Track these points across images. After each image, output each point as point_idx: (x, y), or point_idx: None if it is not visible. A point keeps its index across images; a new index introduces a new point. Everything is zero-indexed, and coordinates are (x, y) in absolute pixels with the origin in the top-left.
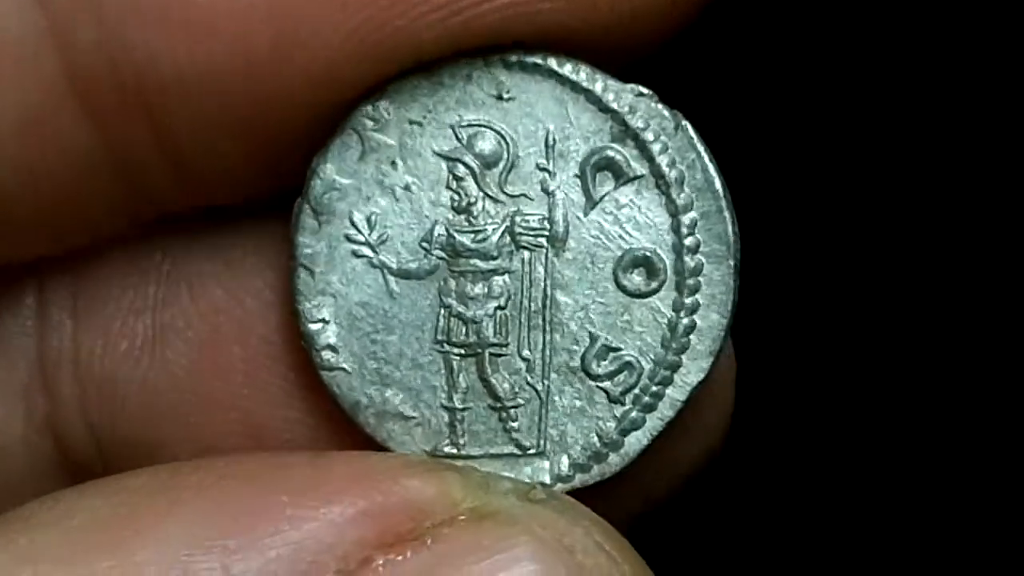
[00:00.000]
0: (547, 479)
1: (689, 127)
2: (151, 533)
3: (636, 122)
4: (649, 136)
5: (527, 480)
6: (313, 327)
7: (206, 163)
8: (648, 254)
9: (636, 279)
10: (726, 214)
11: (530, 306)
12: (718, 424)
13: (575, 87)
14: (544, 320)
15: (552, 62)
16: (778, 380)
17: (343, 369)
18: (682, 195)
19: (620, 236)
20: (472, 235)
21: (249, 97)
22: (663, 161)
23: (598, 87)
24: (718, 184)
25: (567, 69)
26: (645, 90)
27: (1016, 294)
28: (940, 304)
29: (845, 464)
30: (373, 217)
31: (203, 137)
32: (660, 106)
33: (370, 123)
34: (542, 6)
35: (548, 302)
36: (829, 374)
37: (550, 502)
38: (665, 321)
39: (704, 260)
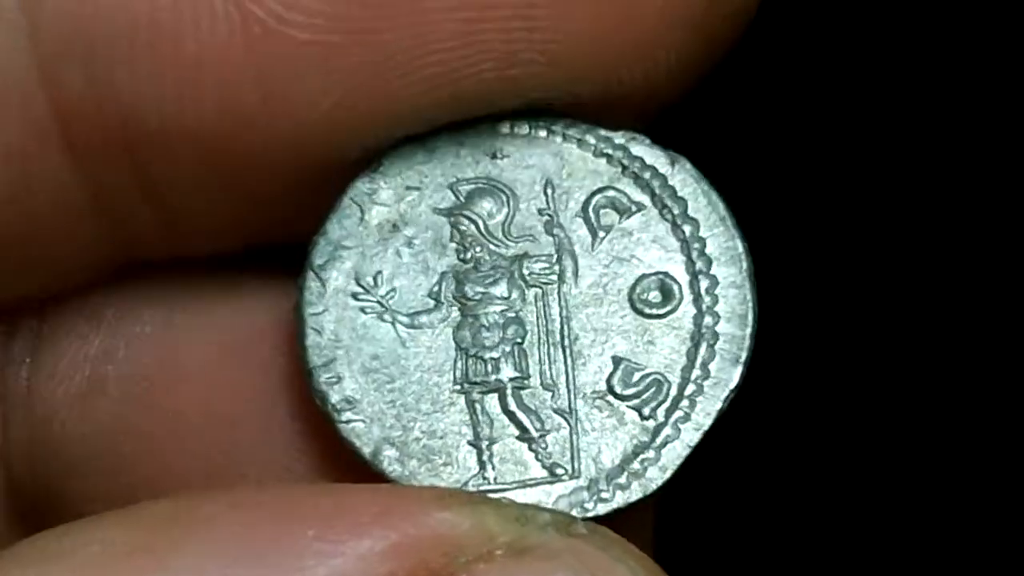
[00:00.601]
0: (587, 501)
1: (686, 162)
2: (171, 566)
3: (633, 164)
4: (647, 174)
5: (566, 509)
6: (325, 383)
7: (189, 213)
8: (662, 277)
9: (652, 301)
10: (734, 231)
11: (548, 339)
12: None
13: (568, 138)
14: (564, 350)
15: (542, 131)
16: (786, 381)
17: (361, 420)
18: (687, 221)
19: (631, 263)
20: (481, 280)
21: (233, 154)
22: (664, 194)
23: (591, 138)
24: (722, 207)
25: (558, 127)
26: (637, 134)
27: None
28: (939, 309)
29: (851, 467)
30: (379, 276)
31: (186, 188)
32: (654, 147)
33: (367, 195)
34: (533, 79)
35: (566, 332)
36: (836, 376)
37: (592, 536)
38: (687, 335)
39: (718, 276)
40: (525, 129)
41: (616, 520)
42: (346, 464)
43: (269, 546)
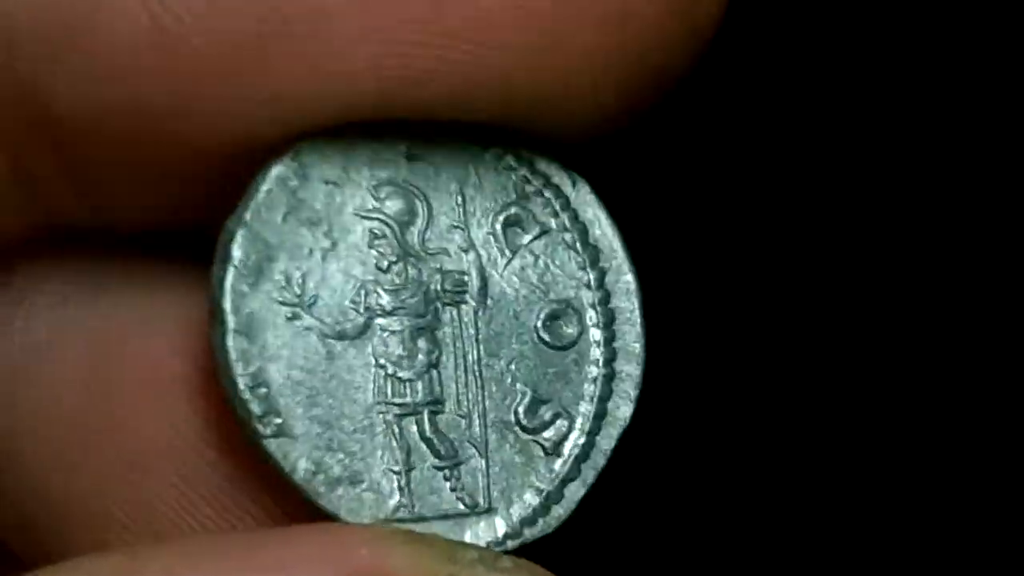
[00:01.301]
0: (499, 536)
1: (585, 185)
2: None
3: (536, 181)
4: (549, 193)
5: (482, 543)
6: (253, 393)
7: (107, 190)
8: (565, 306)
9: (556, 331)
10: (627, 267)
11: (464, 362)
12: None
13: (478, 148)
14: (477, 376)
15: (453, 135)
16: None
17: (288, 436)
18: (587, 248)
19: (537, 289)
20: (396, 294)
21: (146, 144)
22: (565, 217)
23: (495, 152)
24: (617, 242)
25: (470, 131)
26: (540, 155)
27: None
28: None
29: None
30: (304, 278)
31: (103, 169)
32: (557, 165)
33: (288, 183)
34: (448, 108)
35: (479, 357)
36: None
37: (518, 571)
38: (587, 371)
39: (615, 311)
40: (440, 129)
41: (525, 553)
42: (269, 480)
43: None
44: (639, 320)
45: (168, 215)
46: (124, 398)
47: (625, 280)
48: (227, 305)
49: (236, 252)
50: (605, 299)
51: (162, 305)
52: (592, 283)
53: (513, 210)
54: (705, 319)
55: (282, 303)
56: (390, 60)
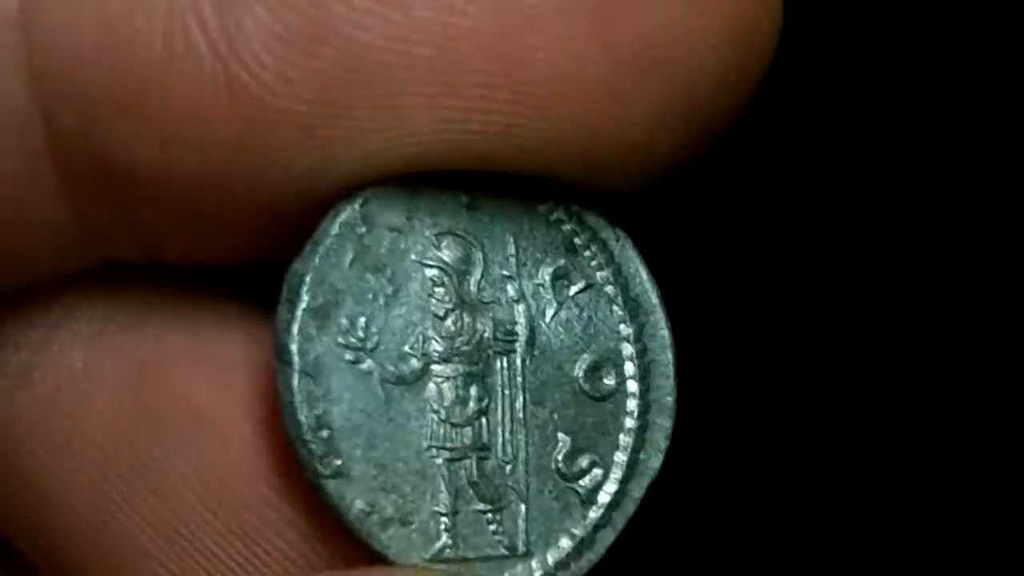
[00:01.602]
0: None
1: (628, 240)
2: None
3: (584, 235)
4: (595, 248)
5: None
6: (316, 434)
7: (169, 243)
8: (605, 358)
9: (597, 382)
10: (662, 321)
11: (511, 410)
12: None
13: (531, 203)
14: (523, 423)
15: (510, 190)
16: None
17: (346, 477)
18: (629, 302)
19: (581, 340)
20: (452, 341)
21: (211, 202)
22: (609, 271)
23: (547, 205)
24: (655, 297)
25: (525, 183)
26: (588, 211)
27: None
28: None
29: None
30: (367, 323)
31: (166, 222)
32: (604, 220)
33: (355, 228)
34: (510, 163)
35: (525, 405)
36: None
37: None
38: (624, 422)
39: (650, 365)
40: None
41: None
42: (311, 520)
43: None
44: (672, 373)
45: (223, 256)
46: (159, 430)
47: (661, 334)
48: (294, 347)
49: (304, 295)
50: (643, 352)
51: (206, 339)
52: (631, 336)
53: (561, 262)
54: (737, 374)
55: (346, 347)
56: (460, 116)
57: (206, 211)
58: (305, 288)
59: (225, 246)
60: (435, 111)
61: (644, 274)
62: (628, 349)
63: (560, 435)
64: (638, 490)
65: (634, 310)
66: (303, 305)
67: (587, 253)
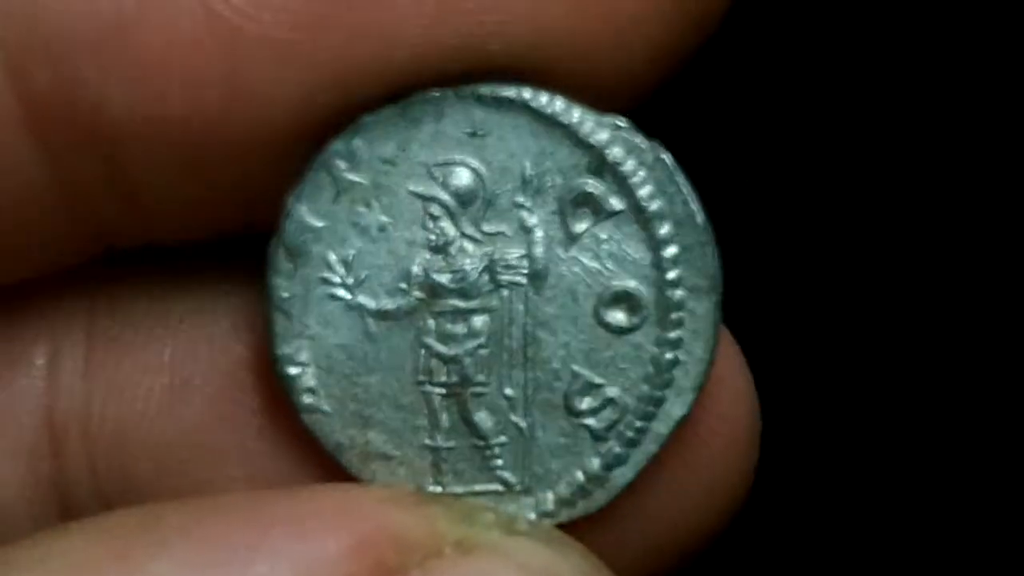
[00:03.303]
0: (532, 515)
1: (668, 158)
2: (137, 573)
3: (614, 155)
4: (627, 169)
5: (510, 513)
6: (292, 371)
7: (160, 201)
8: (629, 290)
9: (618, 316)
10: (708, 248)
11: (511, 344)
12: (738, 483)
13: (550, 121)
14: (525, 358)
15: (527, 94)
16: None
17: (323, 412)
18: (663, 229)
19: (600, 272)
20: (450, 275)
21: (201, 146)
22: (642, 195)
23: (574, 119)
24: (699, 218)
25: (542, 101)
26: (622, 122)
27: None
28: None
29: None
30: (349, 258)
31: (155, 177)
32: (638, 138)
33: (343, 163)
34: (506, 61)
35: (529, 340)
36: (822, 407)
37: (535, 532)
38: (648, 357)
39: (687, 295)
40: (508, 96)
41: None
42: (313, 450)
43: (235, 549)
44: (713, 308)
45: (217, 219)
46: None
47: (701, 264)
48: (272, 282)
49: (283, 235)
50: (676, 284)
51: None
52: (664, 266)
53: (584, 188)
54: (785, 312)
55: (327, 282)
56: (451, 19)
57: (194, 157)
58: (285, 226)
59: (218, 203)
60: (423, 17)
61: (688, 191)
62: (658, 279)
63: (571, 370)
64: (663, 427)
65: (670, 237)
66: (283, 242)
67: (615, 176)
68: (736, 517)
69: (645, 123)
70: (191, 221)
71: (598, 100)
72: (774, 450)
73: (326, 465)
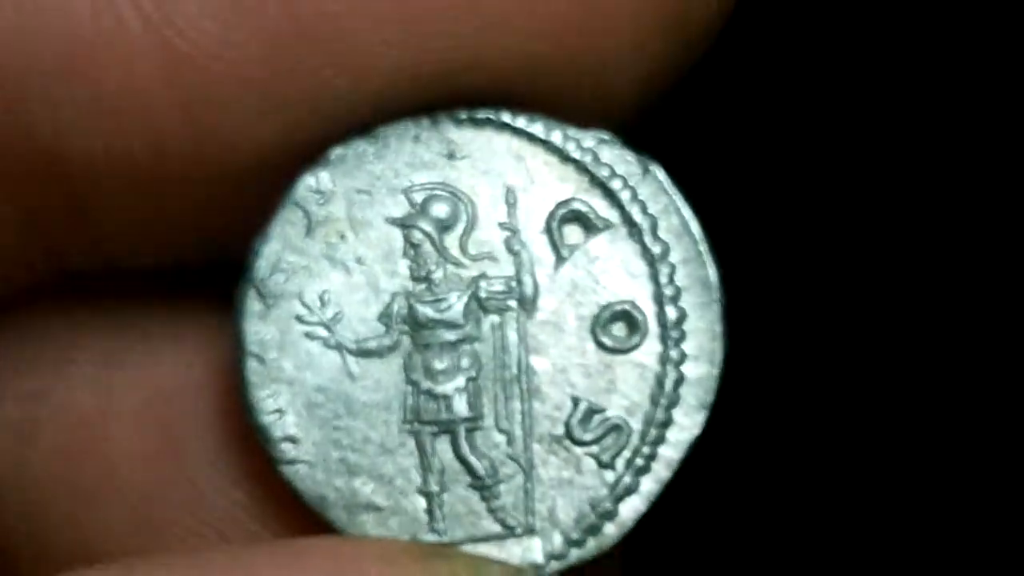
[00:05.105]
0: (540, 558)
1: (658, 171)
2: None
3: (601, 171)
4: (616, 184)
5: (518, 562)
6: (268, 418)
7: (120, 232)
8: (627, 307)
9: (616, 334)
10: (706, 258)
11: (504, 375)
12: None
13: (532, 139)
14: (521, 388)
15: (505, 116)
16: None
17: (305, 462)
18: (657, 242)
19: (595, 291)
20: (435, 304)
21: (162, 180)
22: (633, 209)
23: (556, 137)
24: (694, 228)
25: (521, 122)
26: (607, 135)
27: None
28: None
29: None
30: (325, 295)
31: (115, 210)
32: (625, 151)
33: (314, 196)
34: (485, 83)
35: (523, 368)
36: (825, 411)
37: None
38: (651, 376)
39: (687, 308)
40: (484, 120)
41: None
42: (291, 506)
43: None
44: (717, 319)
45: (187, 250)
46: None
47: (701, 274)
48: (244, 326)
49: (254, 274)
50: (676, 296)
51: (188, 348)
52: (661, 278)
53: (572, 206)
54: (786, 321)
55: (302, 321)
56: (425, 51)
57: (155, 190)
58: (255, 265)
59: (185, 238)
60: (397, 48)
61: (681, 206)
62: (656, 294)
63: (570, 397)
64: (674, 451)
65: (664, 250)
66: (253, 283)
67: (603, 191)
68: (736, 517)
69: (632, 135)
70: (151, 248)
71: (579, 123)
72: (777, 455)
73: (309, 514)
